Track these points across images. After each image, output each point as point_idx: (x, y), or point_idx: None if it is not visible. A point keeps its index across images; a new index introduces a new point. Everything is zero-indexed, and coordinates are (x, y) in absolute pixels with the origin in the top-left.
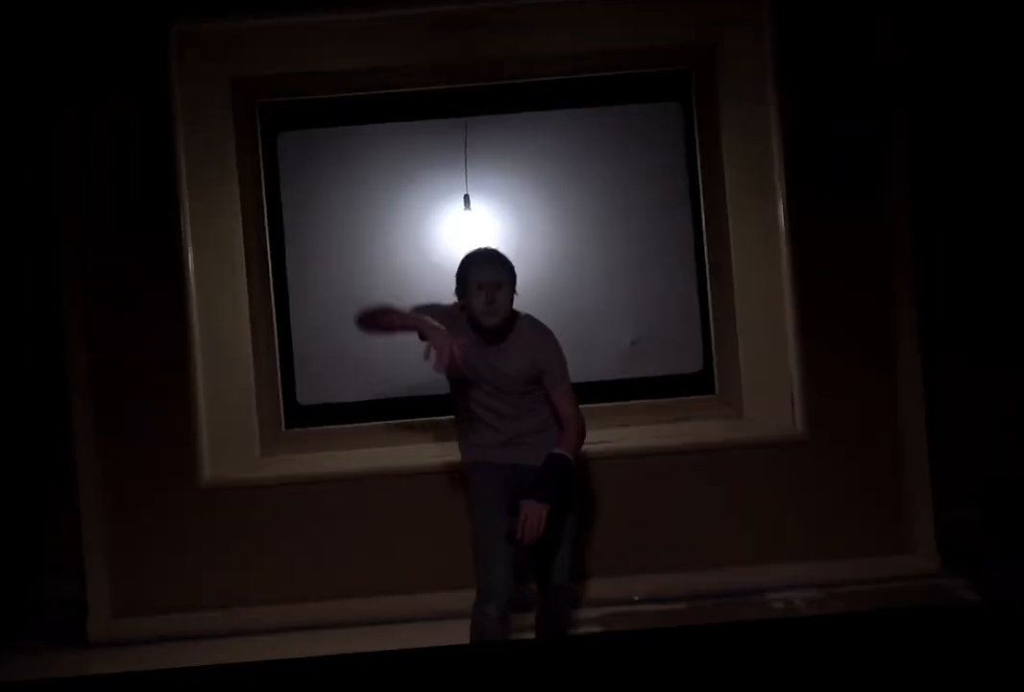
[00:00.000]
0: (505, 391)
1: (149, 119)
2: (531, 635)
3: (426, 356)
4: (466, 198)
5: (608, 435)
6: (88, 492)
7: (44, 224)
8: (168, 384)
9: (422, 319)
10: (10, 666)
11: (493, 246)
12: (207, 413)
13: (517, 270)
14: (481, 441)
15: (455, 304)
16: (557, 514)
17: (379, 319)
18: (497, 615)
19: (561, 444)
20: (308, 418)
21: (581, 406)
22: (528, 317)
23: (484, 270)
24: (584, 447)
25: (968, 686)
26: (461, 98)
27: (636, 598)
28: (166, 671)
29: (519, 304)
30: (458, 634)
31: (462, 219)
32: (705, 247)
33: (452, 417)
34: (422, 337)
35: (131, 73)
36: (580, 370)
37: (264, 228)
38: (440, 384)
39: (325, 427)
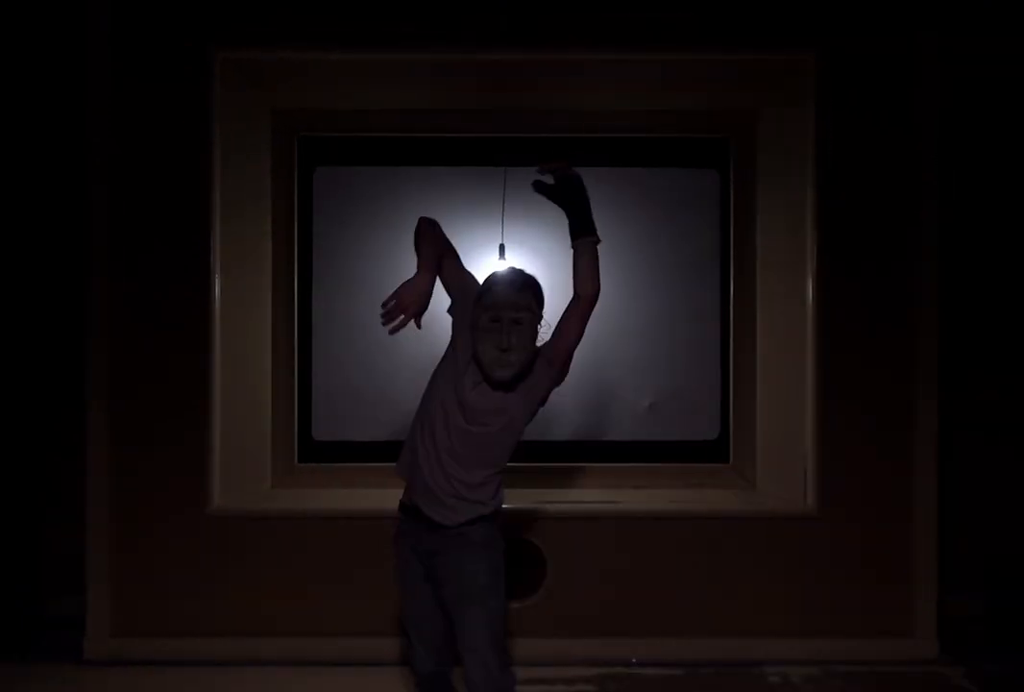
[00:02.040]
0: (489, 438)
1: (188, 144)
2: None
3: (383, 305)
4: (501, 248)
5: (619, 496)
6: (97, 512)
7: (71, 250)
8: (186, 411)
9: (429, 262)
10: (6, 681)
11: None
12: (222, 442)
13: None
14: (412, 484)
15: None
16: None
17: (425, 237)
18: (428, 674)
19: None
20: (322, 454)
21: (592, 464)
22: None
23: (505, 294)
24: (593, 506)
25: None
26: (502, 146)
27: (634, 660)
28: None
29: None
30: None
31: (496, 268)
32: (731, 316)
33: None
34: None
35: (174, 97)
36: (596, 429)
37: (293, 262)
38: None
39: (337, 464)
